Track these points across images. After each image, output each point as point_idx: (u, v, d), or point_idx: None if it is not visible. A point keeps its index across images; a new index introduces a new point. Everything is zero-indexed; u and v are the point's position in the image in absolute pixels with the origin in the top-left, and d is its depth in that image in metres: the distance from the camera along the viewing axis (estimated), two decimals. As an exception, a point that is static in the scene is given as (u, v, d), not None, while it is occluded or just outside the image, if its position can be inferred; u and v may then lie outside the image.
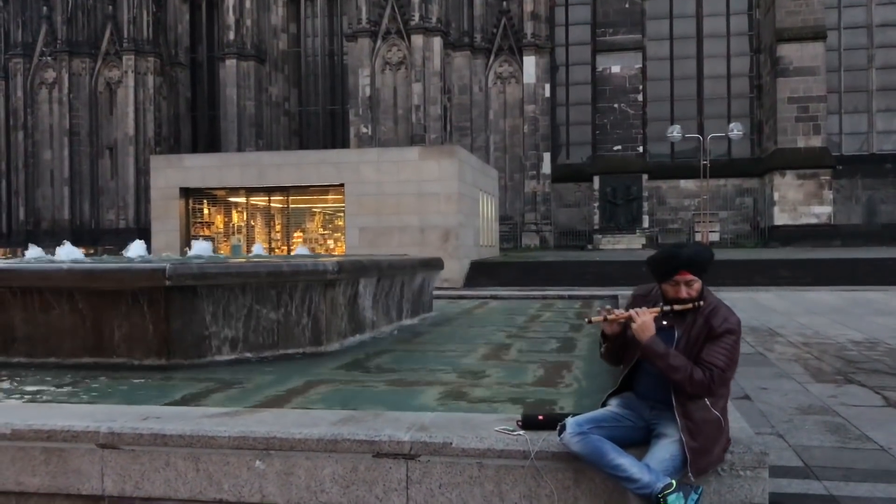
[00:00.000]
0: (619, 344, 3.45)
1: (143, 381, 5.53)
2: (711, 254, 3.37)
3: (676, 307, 3.27)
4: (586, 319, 3.55)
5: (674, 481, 2.98)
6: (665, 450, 3.09)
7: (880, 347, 8.94)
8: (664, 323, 3.29)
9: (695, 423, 3.12)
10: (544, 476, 3.28)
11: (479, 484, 3.34)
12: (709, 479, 3.19)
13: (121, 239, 36.11)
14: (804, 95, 33.66)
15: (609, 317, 3.35)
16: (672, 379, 3.15)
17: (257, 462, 3.51)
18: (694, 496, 2.96)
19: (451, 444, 3.34)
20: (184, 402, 4.78)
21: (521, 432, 3.35)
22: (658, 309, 3.29)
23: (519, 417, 3.51)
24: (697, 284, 3.27)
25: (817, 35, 33.70)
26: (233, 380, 5.50)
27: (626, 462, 3.03)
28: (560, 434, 3.18)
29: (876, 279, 19.11)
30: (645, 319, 3.22)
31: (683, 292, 3.26)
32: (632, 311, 3.28)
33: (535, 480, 3.30)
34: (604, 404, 3.42)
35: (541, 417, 3.42)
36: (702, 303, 3.26)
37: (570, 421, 3.18)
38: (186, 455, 3.56)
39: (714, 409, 3.17)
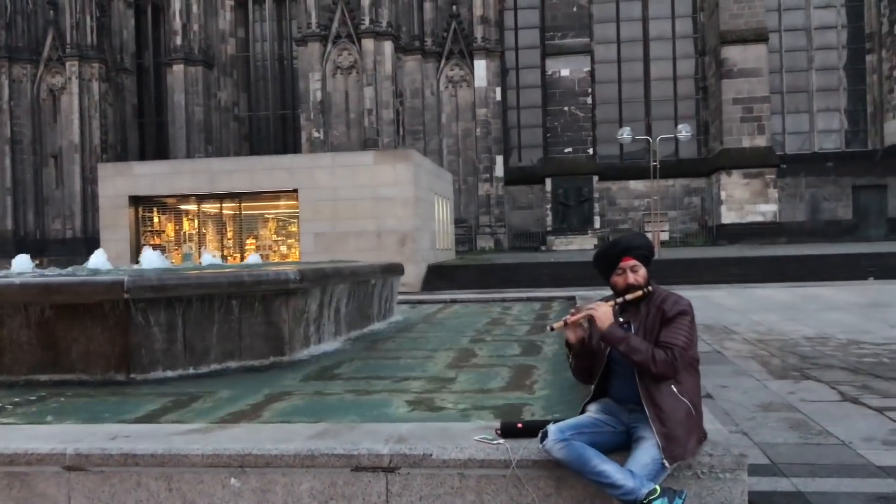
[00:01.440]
0: (586, 353, 3.50)
1: (104, 397, 5.38)
2: (648, 240, 3.61)
3: (628, 297, 3.40)
4: (548, 327, 3.59)
5: (658, 487, 3.01)
6: (646, 453, 3.11)
7: (831, 343, 9.19)
8: (621, 320, 3.38)
9: (663, 410, 3.17)
10: (526, 484, 3.27)
11: (461, 495, 3.33)
12: (689, 482, 3.23)
13: (67, 249, 35.20)
14: (748, 96, 34.52)
15: (569, 320, 3.42)
16: (635, 361, 3.22)
17: (232, 480, 3.44)
18: (678, 501, 2.99)
19: (430, 455, 3.31)
20: (149, 418, 4.66)
21: (501, 441, 3.34)
22: (613, 301, 3.41)
23: (497, 426, 3.50)
24: (642, 271, 3.42)
25: (759, 37, 34.60)
26: (197, 393, 5.39)
27: (609, 468, 3.05)
28: (542, 441, 3.18)
29: (822, 275, 19.68)
30: (604, 309, 3.35)
31: (631, 278, 3.40)
32: (588, 308, 3.39)
33: (516, 489, 3.29)
34: (583, 411, 3.44)
35: (520, 425, 3.42)
36: (650, 288, 3.40)
37: (551, 427, 3.19)
38: (158, 475, 3.47)
39: (682, 396, 3.23)
